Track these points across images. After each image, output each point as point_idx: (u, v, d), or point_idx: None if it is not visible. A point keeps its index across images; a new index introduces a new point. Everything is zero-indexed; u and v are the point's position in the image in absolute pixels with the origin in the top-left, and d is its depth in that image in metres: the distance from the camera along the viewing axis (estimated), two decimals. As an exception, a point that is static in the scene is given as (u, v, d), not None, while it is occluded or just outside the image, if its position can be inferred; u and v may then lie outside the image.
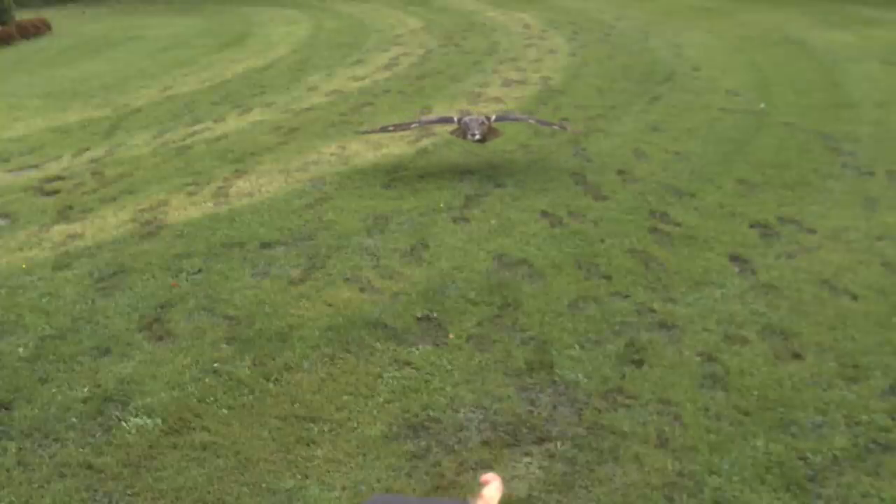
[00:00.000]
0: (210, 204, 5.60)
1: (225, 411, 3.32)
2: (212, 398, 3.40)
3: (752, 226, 5.04)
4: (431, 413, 3.27)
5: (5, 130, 7.96)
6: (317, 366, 3.60)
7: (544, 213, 5.24)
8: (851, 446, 3.03)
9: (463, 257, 4.62)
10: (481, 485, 1.48)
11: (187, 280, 4.47)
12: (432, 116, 7.50)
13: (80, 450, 3.11)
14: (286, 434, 3.17)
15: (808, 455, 2.99)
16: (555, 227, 5.04)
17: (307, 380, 3.50)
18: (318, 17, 14.95)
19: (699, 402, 3.30)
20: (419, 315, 4.00)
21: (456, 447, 3.08)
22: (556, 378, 3.49)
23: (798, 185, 5.71)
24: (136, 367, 3.64)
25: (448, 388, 3.42)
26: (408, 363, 3.60)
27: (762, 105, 7.83)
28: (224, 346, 3.79)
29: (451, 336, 3.81)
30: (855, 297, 4.13)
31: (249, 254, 4.78)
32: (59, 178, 6.36)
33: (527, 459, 3.01)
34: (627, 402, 3.33)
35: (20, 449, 3.13)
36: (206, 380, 3.52)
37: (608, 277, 4.36)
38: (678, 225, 5.05)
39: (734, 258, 4.59)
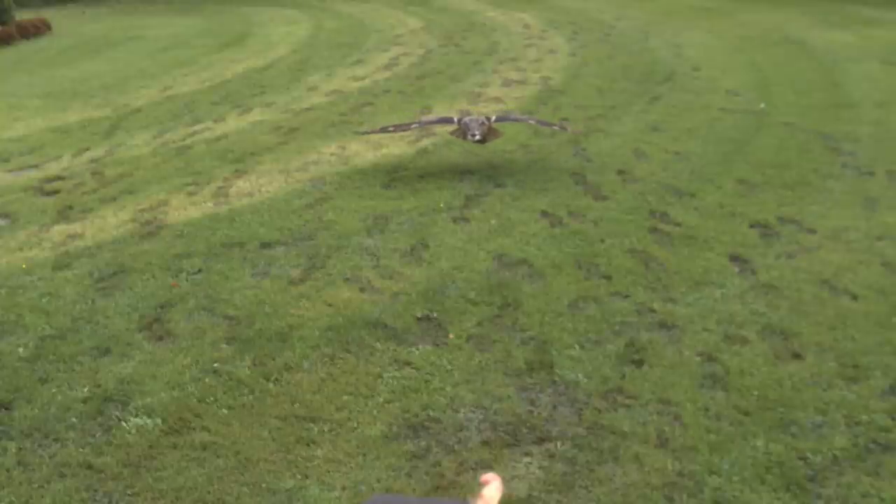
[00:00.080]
0: (210, 204, 5.60)
1: (225, 411, 3.32)
2: (212, 398, 3.40)
3: (752, 226, 5.04)
4: (431, 413, 3.27)
5: (5, 130, 7.96)
6: (317, 366, 3.61)
7: (544, 213, 5.24)
8: (851, 446, 3.03)
9: (463, 257, 4.62)
10: (481, 485, 1.48)
11: (187, 280, 4.47)
12: (432, 117, 7.50)
13: (80, 450, 3.11)
14: (286, 434, 3.17)
15: (808, 455, 2.99)
16: (555, 227, 5.04)
17: (307, 380, 3.50)
18: (318, 17, 14.95)
19: (699, 402, 3.30)
20: (419, 315, 4.00)
21: (456, 447, 3.08)
22: (556, 378, 3.49)
23: (798, 185, 5.71)
24: (136, 367, 3.64)
25: (448, 388, 3.42)
26: (408, 363, 3.60)
27: (762, 105, 7.83)
28: (224, 346, 3.79)
29: (451, 336, 3.81)
30: (855, 297, 4.13)
31: (249, 254, 4.78)
32: (59, 178, 6.36)
33: (527, 459, 3.01)
34: (627, 402, 3.33)
35: (20, 449, 3.13)
36: (206, 380, 3.52)
37: (608, 277, 4.36)
38: (678, 225, 5.05)
39: (734, 258, 4.59)
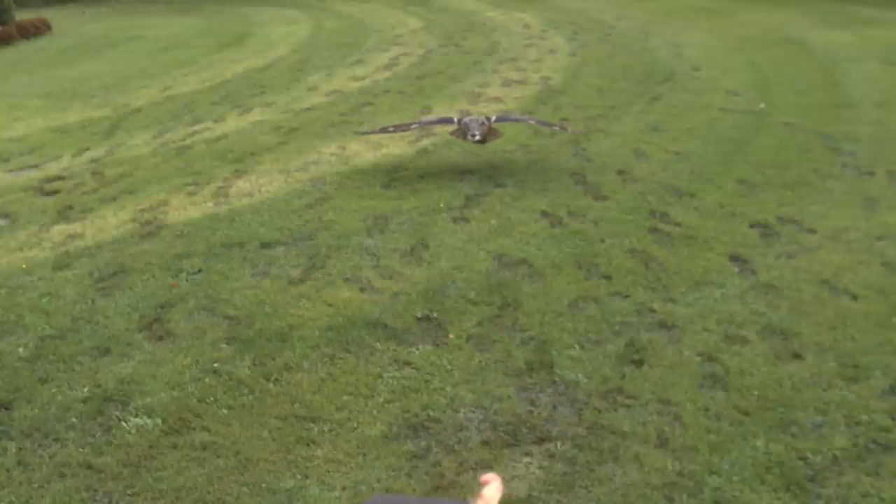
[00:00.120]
0: (210, 204, 5.60)
1: (225, 411, 3.32)
2: (212, 398, 3.40)
3: (752, 226, 5.04)
4: (431, 413, 3.27)
5: (5, 130, 7.96)
6: (317, 366, 3.60)
7: (544, 213, 5.24)
8: (851, 446, 3.03)
9: (463, 257, 4.62)
10: (481, 485, 1.48)
11: (187, 280, 4.47)
12: (432, 117, 7.49)
13: (80, 450, 3.11)
14: (286, 434, 3.17)
15: (808, 455, 2.99)
16: (555, 227, 5.04)
17: (307, 380, 3.50)
18: (318, 17, 14.95)
19: (699, 402, 3.30)
20: (419, 315, 4.00)
21: (456, 447, 3.08)
22: (556, 378, 3.49)
23: (798, 185, 5.71)
24: (136, 367, 3.64)
25: (448, 388, 3.42)
26: (408, 363, 3.60)
27: (762, 105, 7.83)
28: (224, 346, 3.79)
29: (451, 336, 3.81)
30: (855, 297, 4.13)
31: (249, 254, 4.78)
32: (59, 178, 6.36)
33: (527, 459, 3.01)
34: (627, 402, 3.33)
35: (20, 449, 3.13)
36: (206, 380, 3.52)
37: (608, 277, 4.36)
38: (678, 225, 5.05)
39: (734, 258, 4.59)
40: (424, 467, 2.98)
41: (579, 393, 3.39)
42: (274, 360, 3.65)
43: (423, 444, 3.10)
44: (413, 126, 6.74)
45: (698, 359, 3.61)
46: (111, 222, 5.36)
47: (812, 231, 4.96)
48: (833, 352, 3.65)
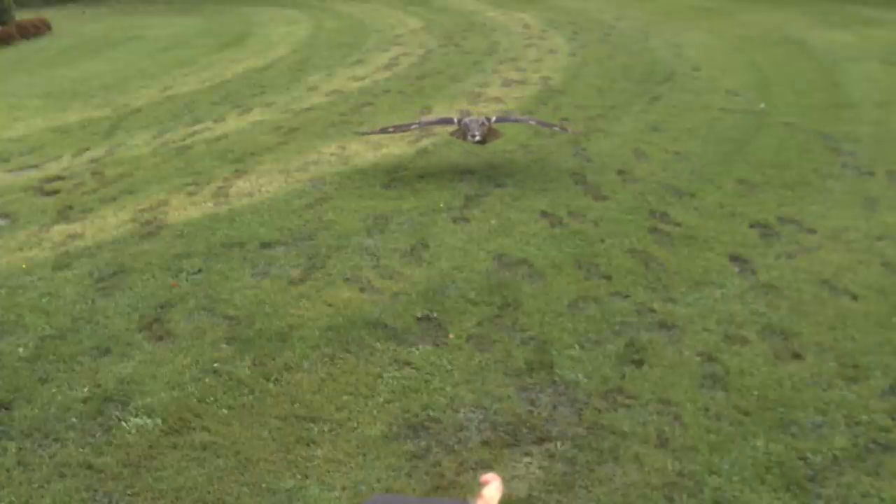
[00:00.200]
0: (210, 204, 5.60)
1: (225, 411, 3.32)
2: (212, 398, 3.40)
3: (752, 226, 5.04)
4: (431, 413, 3.27)
5: (5, 130, 7.96)
6: (317, 366, 3.60)
7: (544, 213, 5.24)
8: (851, 446, 3.03)
9: (463, 257, 4.62)
10: (481, 485, 1.48)
11: (187, 280, 4.47)
12: (432, 117, 7.49)
13: (80, 450, 3.11)
14: (286, 434, 3.17)
15: (808, 455, 2.99)
16: (555, 227, 5.04)
17: (307, 380, 3.50)
18: (318, 17, 14.95)
19: (699, 402, 3.30)
20: (419, 315, 4.00)
21: (456, 447, 3.08)
22: (556, 378, 3.49)
23: (798, 185, 5.71)
24: (136, 367, 3.64)
25: (448, 388, 3.42)
26: (408, 363, 3.60)
27: (762, 105, 7.83)
28: (224, 346, 3.79)
29: (451, 336, 3.81)
30: (855, 297, 4.13)
31: (249, 254, 4.78)
32: (59, 178, 6.36)
33: (527, 459, 3.01)
34: (627, 402, 3.33)
35: (20, 449, 3.13)
36: (206, 380, 3.52)
37: (608, 277, 4.36)
38: (678, 225, 5.05)
39: (734, 258, 4.59)
40: (424, 467, 2.98)
41: (579, 393, 3.39)
42: (274, 360, 3.65)
43: (423, 444, 3.10)
44: (413, 126, 6.74)
45: (698, 359, 3.61)
46: (111, 222, 5.36)
47: (812, 231, 4.96)
48: (833, 352, 3.65)
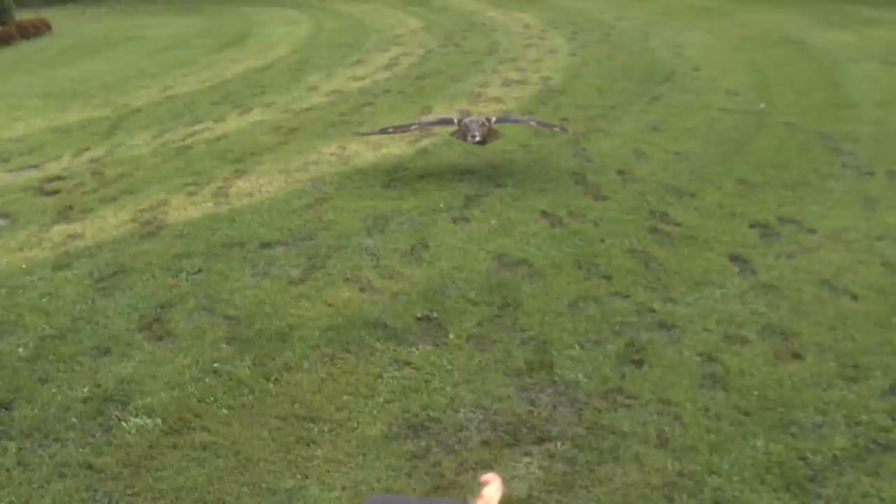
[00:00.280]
0: (210, 204, 5.60)
1: (225, 411, 3.32)
2: (212, 398, 3.40)
3: (752, 226, 5.04)
4: (431, 413, 3.27)
5: (5, 130, 7.96)
6: (317, 366, 3.60)
7: (544, 213, 5.24)
8: (851, 446, 3.03)
9: (463, 257, 4.62)
10: (481, 485, 1.48)
11: (187, 280, 4.47)
12: (432, 118, 7.49)
13: (80, 450, 3.11)
14: (286, 434, 3.17)
15: (808, 455, 2.99)
16: (555, 227, 5.04)
17: (307, 380, 3.50)
18: (318, 17, 14.96)
19: (699, 402, 3.30)
20: (419, 315, 4.00)
21: (456, 447, 3.08)
22: (556, 378, 3.49)
23: (798, 185, 5.71)
24: (136, 367, 3.64)
25: (448, 388, 3.42)
26: (408, 363, 3.60)
27: (762, 105, 7.83)
28: (224, 346, 3.79)
29: (451, 336, 3.81)
30: (855, 297, 4.13)
31: (249, 254, 4.78)
32: (59, 178, 6.36)
33: (527, 459, 3.01)
34: (627, 402, 3.33)
35: (20, 449, 3.13)
36: (206, 380, 3.52)
37: (608, 277, 4.36)
38: (678, 225, 5.05)
39: (734, 258, 4.59)
40: (424, 467, 2.98)
41: (579, 393, 3.39)
42: (274, 360, 3.65)
43: (423, 444, 3.10)
44: (413, 127, 6.74)
45: (698, 359, 3.61)
46: (111, 222, 5.36)
47: (812, 231, 4.96)
48: (833, 352, 3.65)
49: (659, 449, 3.04)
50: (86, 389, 3.48)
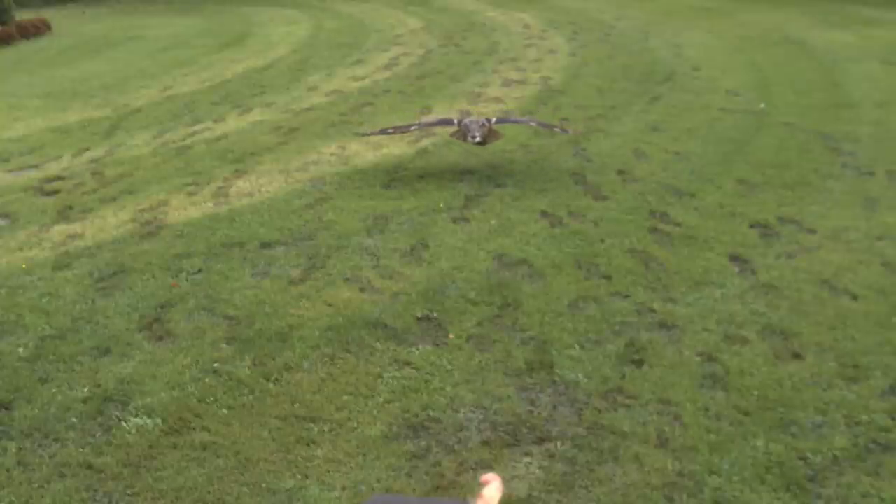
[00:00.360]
0: (210, 204, 5.60)
1: (225, 411, 3.32)
2: (212, 398, 3.40)
3: (752, 226, 5.04)
4: (431, 413, 3.27)
5: (5, 130, 7.96)
6: (317, 366, 3.60)
7: (544, 213, 5.24)
8: (851, 446, 3.03)
9: (463, 257, 4.62)
10: (481, 485, 1.48)
11: (187, 280, 4.47)
12: (432, 118, 7.49)
13: (80, 450, 3.11)
14: (286, 434, 3.17)
15: (808, 455, 2.99)
16: (555, 227, 5.04)
17: (307, 380, 3.50)
18: (318, 17, 14.96)
19: (699, 402, 3.30)
20: (419, 315, 4.00)
21: (456, 447, 3.08)
22: (556, 378, 3.49)
23: (798, 185, 5.71)
24: (136, 367, 3.64)
25: (448, 388, 3.42)
26: (408, 363, 3.60)
27: (762, 105, 7.83)
28: (224, 346, 3.79)
29: (451, 336, 3.81)
30: (855, 297, 4.13)
31: (249, 254, 4.78)
32: (59, 178, 6.36)
33: (527, 459, 3.01)
34: (627, 402, 3.33)
35: (20, 449, 3.13)
36: (206, 380, 3.52)
37: (608, 277, 4.36)
38: (678, 225, 5.05)
39: (734, 258, 4.59)
40: (424, 467, 2.98)
41: (579, 393, 3.39)
42: (274, 360, 3.65)
43: (423, 444, 3.10)
44: (413, 127, 6.74)
45: (698, 359, 3.61)
46: (111, 222, 5.36)
47: (812, 231, 4.96)
48: (833, 352, 3.65)
49: (659, 449, 3.04)
50: (86, 389, 3.48)
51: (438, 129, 6.84)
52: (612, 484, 2.88)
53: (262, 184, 5.96)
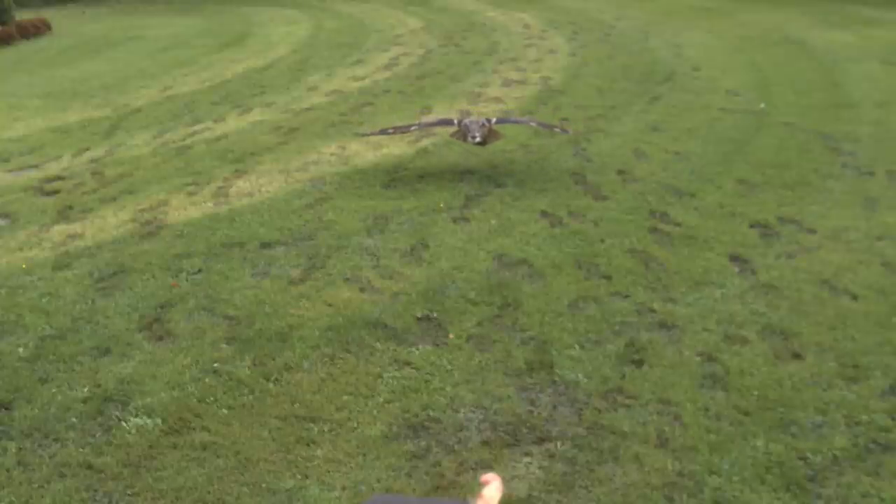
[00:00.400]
0: (210, 204, 5.60)
1: (225, 411, 3.32)
2: (212, 398, 3.40)
3: (752, 226, 5.04)
4: (431, 413, 3.27)
5: (5, 130, 7.96)
6: (317, 366, 3.60)
7: (544, 213, 5.24)
8: (851, 446, 3.03)
9: (463, 257, 4.62)
10: (481, 485, 1.48)
11: (187, 280, 4.47)
12: (432, 118, 7.48)
13: (80, 450, 3.11)
14: (286, 434, 3.17)
15: (808, 455, 2.99)
16: (555, 227, 5.04)
17: (307, 380, 3.50)
18: (318, 17, 14.96)
19: (699, 402, 3.30)
20: (419, 315, 4.00)
21: (456, 447, 3.08)
22: (556, 378, 3.49)
23: (798, 185, 5.71)
24: (136, 367, 3.64)
25: (448, 388, 3.42)
26: (408, 363, 3.60)
27: (762, 105, 7.83)
28: (224, 346, 3.79)
29: (451, 336, 3.81)
30: (855, 297, 4.13)
31: (249, 254, 4.78)
32: (59, 178, 6.36)
33: (527, 459, 3.01)
34: (627, 402, 3.33)
35: (20, 449, 3.13)
36: (206, 380, 3.52)
37: (608, 277, 4.36)
38: (678, 225, 5.05)
39: (734, 258, 4.59)
40: (424, 467, 2.98)
41: (579, 393, 3.39)
42: (274, 360, 3.65)
43: (423, 444, 3.10)
44: (413, 128, 6.74)
45: (698, 359, 3.61)
46: (111, 222, 5.36)
47: (812, 231, 4.96)
48: (833, 352, 3.65)
49: (659, 449, 3.04)
50: (86, 389, 3.48)
51: (438, 130, 6.84)
52: (612, 484, 2.88)
53: (262, 184, 5.96)
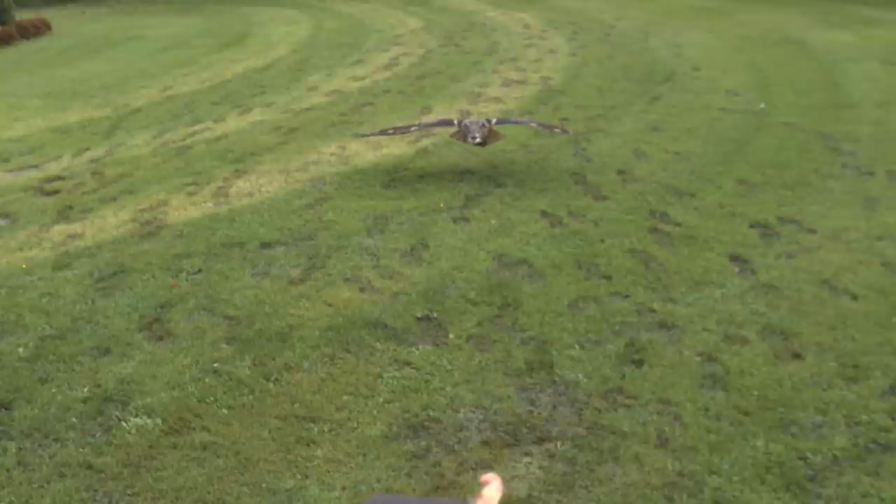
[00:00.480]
0: (210, 204, 5.60)
1: (225, 411, 3.32)
2: (212, 398, 3.40)
3: (752, 226, 5.04)
4: (431, 413, 3.27)
5: (5, 130, 7.96)
6: (317, 366, 3.60)
7: (544, 213, 5.24)
8: (851, 446, 3.03)
9: (463, 257, 4.62)
10: (481, 485, 1.48)
11: (187, 280, 4.47)
12: (432, 119, 7.48)
13: (80, 450, 3.11)
14: (286, 434, 3.17)
15: (808, 455, 2.99)
16: (555, 227, 5.04)
17: (307, 380, 3.50)
18: (318, 17, 14.96)
19: (699, 402, 3.30)
20: (419, 315, 4.00)
21: (456, 447, 3.08)
22: (556, 378, 3.49)
23: (798, 185, 5.71)
24: (136, 367, 3.64)
25: (448, 388, 3.42)
26: (408, 363, 3.60)
27: (762, 105, 7.83)
28: (224, 346, 3.79)
29: (451, 336, 3.81)
30: (855, 297, 4.13)
31: (249, 254, 4.78)
32: (59, 178, 6.36)
33: (527, 459, 3.01)
34: (627, 402, 3.33)
35: (20, 449, 3.13)
36: (206, 380, 3.52)
37: (608, 277, 4.36)
38: (678, 225, 5.05)
39: (734, 258, 4.59)
40: (424, 467, 2.98)
41: (579, 393, 3.39)
42: (274, 360, 3.65)
43: (423, 444, 3.10)
44: (413, 128, 6.74)
45: (698, 359, 3.61)
46: (111, 222, 5.36)
47: (812, 231, 4.96)
48: (833, 352, 3.65)
49: (659, 449, 3.04)
50: (86, 389, 3.48)
51: (438, 130, 6.84)
52: (612, 484, 2.88)
53: (262, 184, 5.96)
